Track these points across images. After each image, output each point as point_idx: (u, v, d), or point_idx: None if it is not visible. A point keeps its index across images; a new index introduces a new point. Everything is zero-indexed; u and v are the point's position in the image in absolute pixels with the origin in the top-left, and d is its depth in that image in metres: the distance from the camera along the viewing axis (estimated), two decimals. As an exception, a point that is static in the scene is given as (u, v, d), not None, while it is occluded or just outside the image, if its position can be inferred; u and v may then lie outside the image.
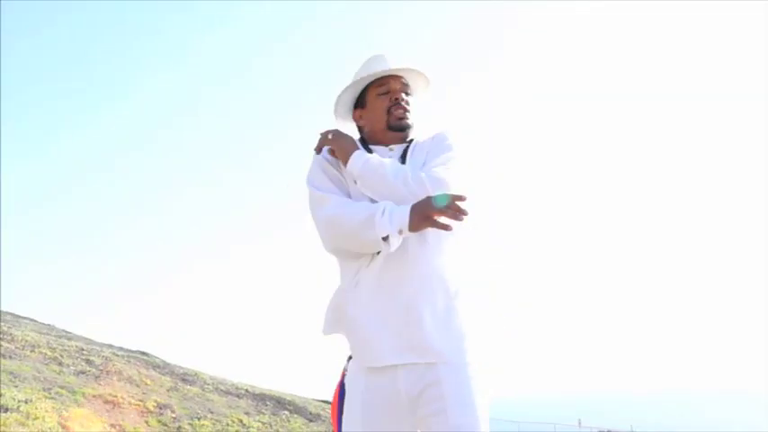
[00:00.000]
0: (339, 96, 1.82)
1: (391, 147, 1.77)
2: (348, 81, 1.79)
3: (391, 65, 1.76)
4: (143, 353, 15.93)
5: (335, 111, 1.85)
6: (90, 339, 16.99)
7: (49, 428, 6.40)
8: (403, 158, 1.72)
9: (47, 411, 6.90)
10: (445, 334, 1.56)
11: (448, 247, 1.64)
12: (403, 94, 1.77)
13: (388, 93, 1.76)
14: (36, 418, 6.50)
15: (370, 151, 1.73)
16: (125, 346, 17.26)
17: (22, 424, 6.22)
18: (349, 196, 1.66)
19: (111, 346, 16.47)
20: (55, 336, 14.31)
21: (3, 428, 5.93)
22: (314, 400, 13.23)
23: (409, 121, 1.76)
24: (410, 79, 1.82)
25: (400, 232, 1.50)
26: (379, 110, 1.77)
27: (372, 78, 1.77)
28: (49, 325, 18.16)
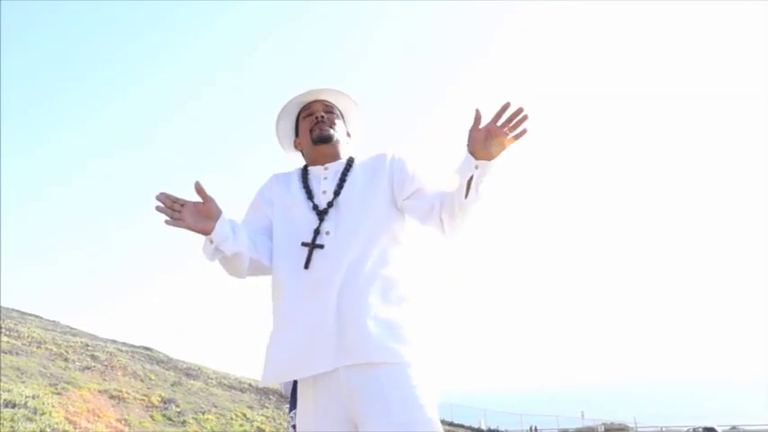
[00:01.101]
0: (275, 129, 1.98)
1: (326, 165, 1.84)
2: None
3: (310, 93, 1.92)
4: (147, 348, 16.07)
5: (279, 143, 1.99)
6: (94, 335, 17.14)
7: (56, 423, 6.51)
8: (342, 177, 1.79)
9: (53, 407, 7.02)
10: (382, 333, 1.58)
11: (378, 245, 1.69)
12: (323, 113, 1.87)
13: (310, 115, 1.88)
14: (43, 414, 6.62)
15: (307, 174, 1.84)
16: (129, 342, 17.41)
17: (30, 419, 6.33)
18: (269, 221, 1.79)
19: (115, 341, 16.61)
20: (60, 332, 14.44)
21: (11, 424, 6.04)
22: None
23: (330, 132, 1.84)
24: (338, 102, 1.95)
25: (210, 242, 1.55)
26: (305, 131, 1.88)
27: (297, 106, 1.93)
28: (54, 321, 18.31)
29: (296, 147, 1.97)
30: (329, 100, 1.93)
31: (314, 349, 1.58)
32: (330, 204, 1.74)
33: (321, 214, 1.72)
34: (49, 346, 10.40)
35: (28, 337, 10.58)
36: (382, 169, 1.80)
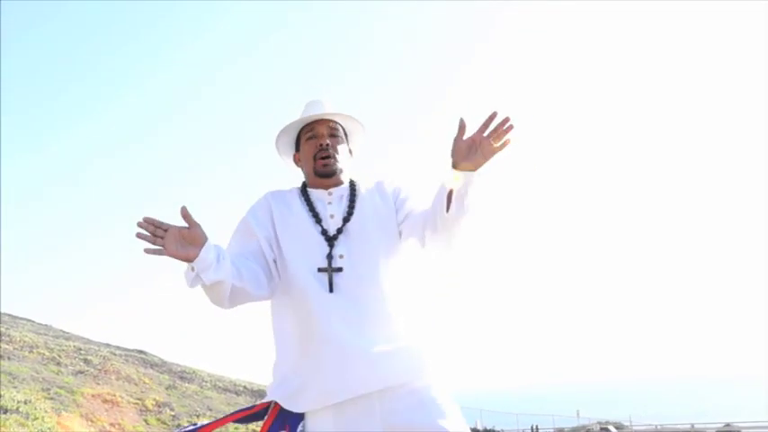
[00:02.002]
0: (276, 140, 1.91)
1: (330, 191, 1.81)
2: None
3: (317, 111, 1.82)
4: (141, 351, 15.97)
5: (278, 152, 1.94)
6: (87, 339, 17.03)
7: (49, 429, 6.45)
8: (351, 203, 1.78)
9: (46, 412, 6.95)
10: (413, 354, 1.64)
11: (393, 267, 1.71)
12: (328, 140, 1.79)
13: (314, 138, 1.81)
14: (35, 419, 6.55)
15: (307, 195, 1.81)
16: (122, 345, 17.32)
17: (22, 425, 6.27)
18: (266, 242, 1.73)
19: (108, 345, 16.51)
20: (53, 336, 14.34)
21: (3, 429, 5.97)
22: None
23: (335, 167, 1.79)
24: (345, 122, 1.89)
25: (192, 269, 1.49)
26: (308, 155, 1.82)
27: (300, 124, 1.85)
28: (46, 325, 18.18)
29: (296, 162, 1.91)
30: (338, 121, 1.87)
31: (352, 372, 1.58)
32: (340, 231, 1.72)
33: (331, 240, 1.70)
34: (42, 351, 10.31)
35: (20, 341, 10.49)
36: (385, 196, 1.81)
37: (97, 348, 12.04)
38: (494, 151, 1.53)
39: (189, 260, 1.47)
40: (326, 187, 1.81)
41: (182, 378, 11.36)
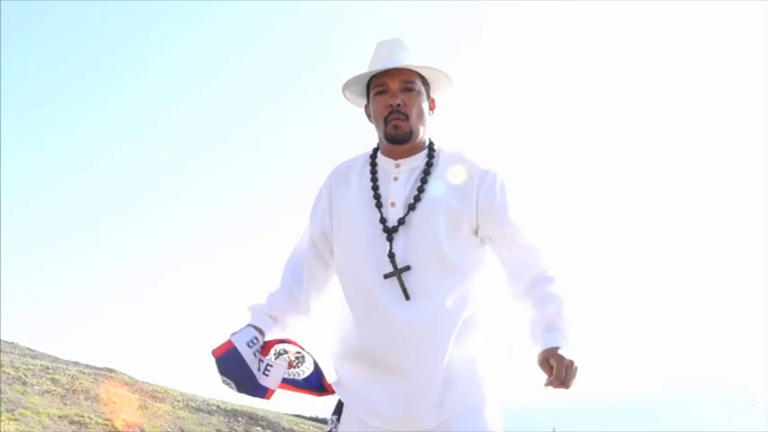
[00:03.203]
0: (343, 89, 1.60)
1: (398, 162, 1.52)
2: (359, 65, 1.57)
3: (388, 60, 1.48)
4: (110, 369, 15.57)
5: (347, 100, 1.63)
6: (55, 357, 16.54)
7: (13, 452, 6.23)
8: (420, 183, 1.49)
9: (10, 434, 6.71)
10: (476, 386, 1.48)
11: (456, 277, 1.47)
12: (400, 98, 1.46)
13: (384, 93, 1.48)
14: (-1, 442, 6.32)
15: (375, 165, 1.56)
16: (91, 363, 16.87)
17: (-16, 448, 6.04)
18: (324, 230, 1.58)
19: (77, 363, 16.06)
20: (18, 354, 13.91)
21: (-37, 453, 5.76)
22: (286, 414, 13.09)
23: (408, 131, 1.47)
24: (425, 71, 1.52)
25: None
26: (377, 114, 1.51)
27: (367, 77, 1.53)
28: (12, 343, 17.62)
29: (367, 116, 1.60)
30: (411, 73, 1.50)
31: (419, 405, 1.42)
32: (402, 221, 1.45)
33: (390, 233, 1.45)
34: (7, 370, 9.99)
35: (-17, 360, 10.16)
36: (471, 192, 1.47)
37: (65, 367, 11.70)
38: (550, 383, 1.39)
39: None
40: (396, 156, 1.52)
41: (153, 397, 11.09)
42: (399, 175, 1.51)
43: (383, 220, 1.47)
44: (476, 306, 1.50)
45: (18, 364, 10.60)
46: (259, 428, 10.60)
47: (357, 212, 1.51)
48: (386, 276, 1.43)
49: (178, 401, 11.26)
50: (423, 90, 1.51)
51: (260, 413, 11.68)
